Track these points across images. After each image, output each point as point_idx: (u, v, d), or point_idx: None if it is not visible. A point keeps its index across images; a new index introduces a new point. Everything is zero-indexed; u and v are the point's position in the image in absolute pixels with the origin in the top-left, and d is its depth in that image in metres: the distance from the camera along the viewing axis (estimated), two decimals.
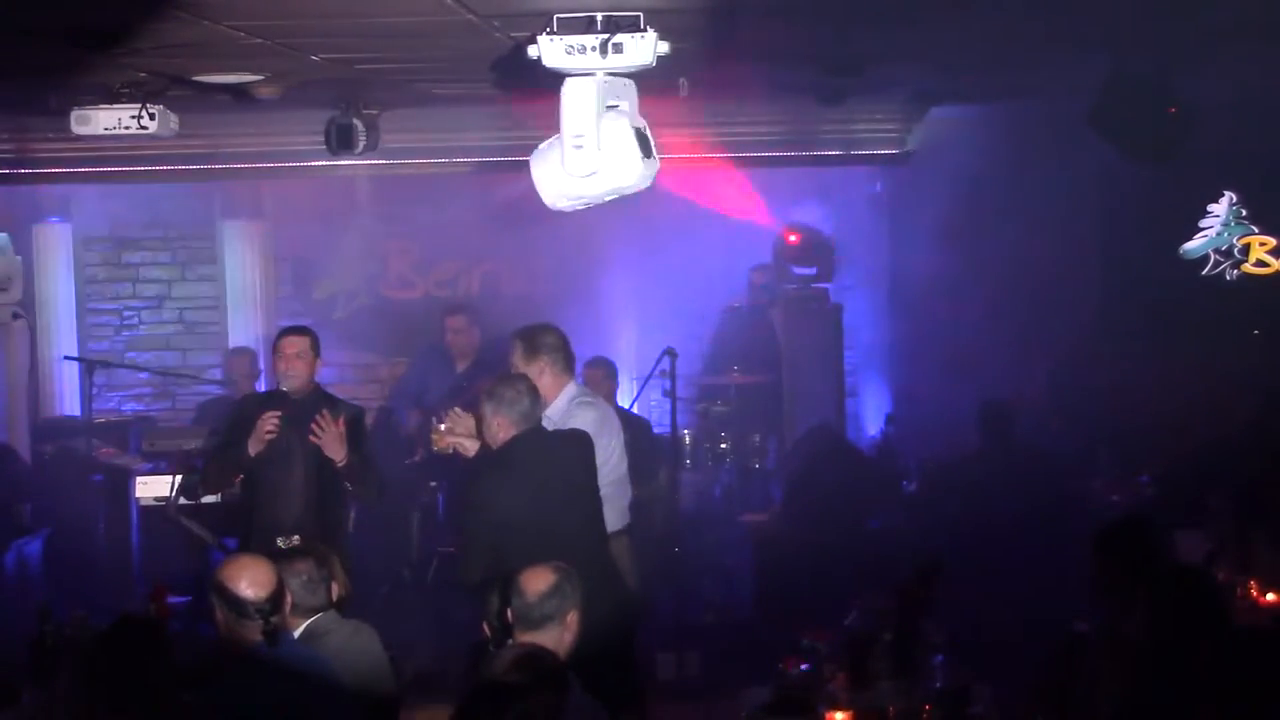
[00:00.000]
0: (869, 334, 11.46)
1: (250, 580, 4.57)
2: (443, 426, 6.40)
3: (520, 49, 5.55)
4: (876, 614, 5.74)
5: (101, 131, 7.23)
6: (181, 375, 11.52)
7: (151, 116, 7.19)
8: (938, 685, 5.35)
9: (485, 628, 5.02)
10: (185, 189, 11.07)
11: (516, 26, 5.89)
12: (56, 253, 11.37)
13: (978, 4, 6.05)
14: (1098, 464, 9.28)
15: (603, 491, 6.15)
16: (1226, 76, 7.96)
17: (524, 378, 6.12)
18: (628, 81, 5.63)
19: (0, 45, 6.26)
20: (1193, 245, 9.77)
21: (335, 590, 5.20)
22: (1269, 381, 8.93)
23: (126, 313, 11.83)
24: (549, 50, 5.30)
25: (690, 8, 5.61)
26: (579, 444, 6.04)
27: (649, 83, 5.67)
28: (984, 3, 6.04)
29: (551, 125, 5.69)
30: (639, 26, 5.29)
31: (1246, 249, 9.74)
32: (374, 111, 8.44)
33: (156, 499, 8.70)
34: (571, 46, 5.28)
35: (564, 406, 6.39)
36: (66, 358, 10.97)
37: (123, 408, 11.56)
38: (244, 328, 11.38)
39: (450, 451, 6.38)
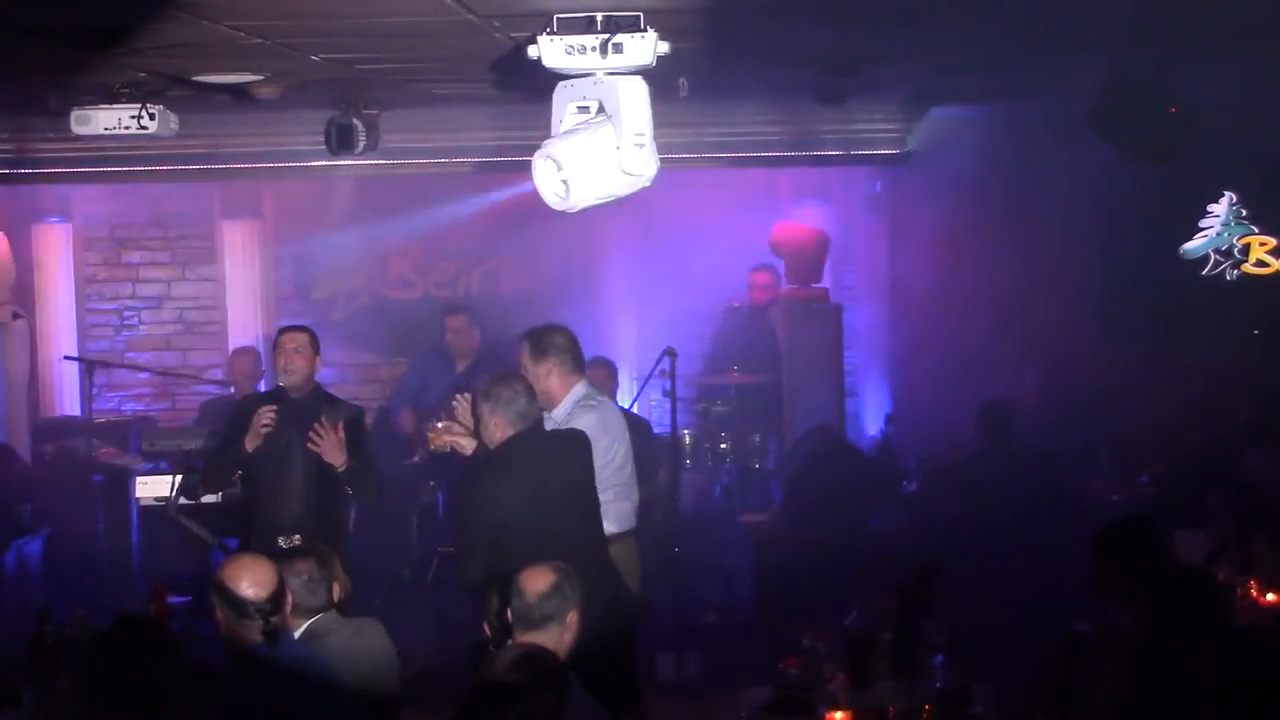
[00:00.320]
0: (869, 334, 11.46)
1: (251, 580, 4.57)
2: (440, 425, 6.42)
3: (520, 49, 5.55)
4: (876, 614, 5.73)
5: (101, 131, 7.23)
6: (181, 375, 11.52)
7: (151, 116, 7.20)
8: (938, 685, 5.34)
9: (485, 628, 5.03)
10: (185, 189, 11.08)
11: (516, 26, 5.89)
12: (56, 252, 11.37)
13: (978, 4, 6.05)
14: (1098, 464, 9.27)
15: (608, 493, 6.17)
16: (1226, 76, 7.95)
17: (520, 377, 6.12)
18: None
19: (0, 45, 6.26)
20: (1193, 245, 9.75)
21: (336, 590, 5.20)
22: (1269, 381, 8.93)
23: (126, 312, 11.82)
24: (549, 50, 5.30)
25: (690, 8, 5.61)
26: (577, 443, 6.03)
27: (649, 83, 5.66)
28: (984, 3, 6.04)
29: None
30: (639, 26, 5.29)
31: (1246, 249, 9.73)
32: (374, 111, 8.44)
33: (156, 499, 8.69)
34: (571, 46, 5.28)
35: (568, 408, 6.39)
36: (66, 358, 10.97)
37: (123, 408, 11.56)
38: (244, 328, 11.39)
39: (448, 450, 6.39)
